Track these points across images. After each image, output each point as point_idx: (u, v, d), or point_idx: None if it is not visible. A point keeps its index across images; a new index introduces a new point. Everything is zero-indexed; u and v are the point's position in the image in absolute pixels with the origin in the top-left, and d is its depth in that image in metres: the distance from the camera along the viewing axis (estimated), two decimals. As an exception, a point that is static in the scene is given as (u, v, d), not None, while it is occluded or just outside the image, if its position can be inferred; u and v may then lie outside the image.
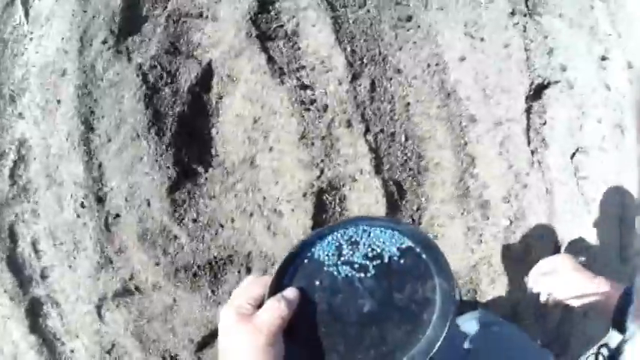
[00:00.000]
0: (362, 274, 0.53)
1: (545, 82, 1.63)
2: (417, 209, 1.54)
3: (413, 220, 1.53)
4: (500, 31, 1.58)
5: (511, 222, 1.54)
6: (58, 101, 1.59)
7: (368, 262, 0.54)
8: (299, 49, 1.52)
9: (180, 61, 1.52)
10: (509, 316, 1.50)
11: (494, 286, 1.50)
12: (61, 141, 1.56)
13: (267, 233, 1.42)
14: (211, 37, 1.55)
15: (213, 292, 1.43)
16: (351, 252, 0.54)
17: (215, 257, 1.44)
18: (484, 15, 1.58)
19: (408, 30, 1.57)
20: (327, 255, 0.54)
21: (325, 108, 1.44)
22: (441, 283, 0.52)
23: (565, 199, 1.58)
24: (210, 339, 1.45)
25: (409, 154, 1.52)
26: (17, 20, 1.71)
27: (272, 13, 1.52)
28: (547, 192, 1.58)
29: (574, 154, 1.64)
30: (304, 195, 1.39)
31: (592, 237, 1.58)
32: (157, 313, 1.49)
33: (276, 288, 0.52)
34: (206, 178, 1.47)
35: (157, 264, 1.44)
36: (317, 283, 0.53)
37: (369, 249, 0.54)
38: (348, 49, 1.49)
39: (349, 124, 1.43)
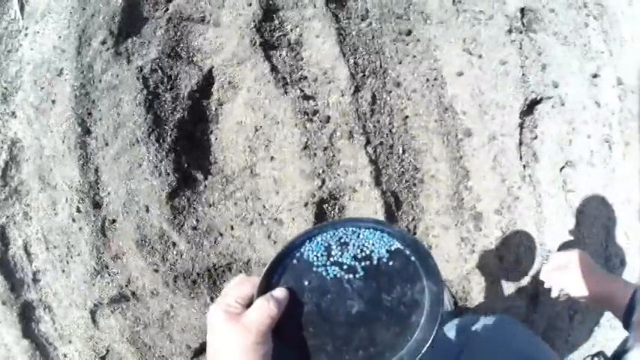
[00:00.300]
0: (351, 275, 0.53)
1: (538, 98, 1.68)
2: (413, 220, 1.58)
3: (408, 230, 1.57)
4: (498, 48, 1.62)
5: (503, 233, 1.60)
6: (53, 101, 1.55)
7: (357, 264, 0.54)
8: (302, 59, 1.53)
9: (181, 66, 1.51)
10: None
11: (485, 294, 1.56)
12: (56, 143, 1.53)
13: (267, 241, 1.43)
14: (213, 42, 1.54)
15: (212, 298, 1.44)
16: (340, 253, 0.54)
17: (214, 264, 1.44)
18: (482, 32, 1.62)
19: (407, 44, 1.60)
20: (317, 255, 0.54)
21: (328, 119, 1.46)
22: (430, 285, 0.53)
23: (554, 211, 1.65)
24: (207, 345, 1.46)
25: (406, 167, 1.55)
26: (12, 15, 1.66)
27: (276, 21, 1.52)
28: (537, 204, 1.64)
29: (563, 167, 1.71)
30: (305, 205, 1.41)
31: (579, 247, 1.65)
32: (154, 319, 1.49)
33: (265, 288, 0.52)
34: (205, 186, 1.47)
35: (156, 271, 1.44)
36: (306, 283, 0.53)
37: (359, 250, 0.54)
38: (351, 61, 1.51)
39: (351, 136, 1.45)
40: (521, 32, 1.67)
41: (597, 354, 0.83)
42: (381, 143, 1.51)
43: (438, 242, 1.58)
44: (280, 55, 1.51)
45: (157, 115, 1.46)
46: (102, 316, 1.52)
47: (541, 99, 1.69)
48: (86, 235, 1.48)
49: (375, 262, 0.54)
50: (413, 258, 0.54)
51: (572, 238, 1.64)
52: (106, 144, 1.48)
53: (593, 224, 1.68)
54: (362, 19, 1.57)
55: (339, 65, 1.48)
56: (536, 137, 1.69)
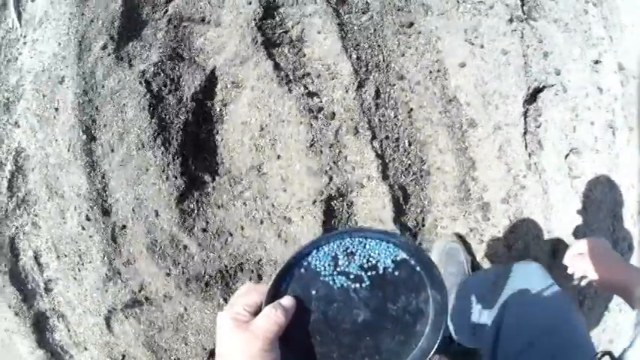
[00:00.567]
0: (357, 285, 0.55)
1: (541, 86, 1.68)
2: (421, 212, 1.58)
3: (417, 222, 1.58)
4: (499, 37, 1.62)
5: (510, 222, 1.60)
6: (56, 109, 1.55)
7: (363, 273, 0.55)
8: (304, 55, 1.52)
9: (183, 67, 1.50)
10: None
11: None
12: (61, 151, 1.53)
13: (278, 240, 1.44)
14: (214, 42, 1.53)
15: (225, 300, 1.44)
16: (346, 262, 0.55)
17: (226, 266, 1.44)
18: (483, 22, 1.62)
19: (409, 36, 1.60)
20: (324, 265, 0.55)
21: (332, 116, 1.46)
22: (434, 295, 0.55)
23: (560, 198, 1.65)
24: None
25: (413, 159, 1.55)
26: (10, 23, 1.65)
27: (277, 18, 1.51)
28: (543, 192, 1.64)
29: (568, 154, 1.71)
30: (314, 202, 1.41)
31: (587, 232, 1.66)
32: (168, 323, 1.49)
33: (273, 296, 0.53)
34: (214, 187, 1.47)
35: (168, 274, 1.44)
36: (313, 292, 0.54)
37: (365, 260, 0.55)
38: (354, 56, 1.50)
39: (356, 131, 1.45)
40: (522, 21, 1.67)
41: (604, 354, 0.85)
42: (387, 137, 1.51)
43: (447, 233, 1.58)
44: (282, 52, 1.50)
45: (161, 119, 1.45)
46: (116, 322, 1.52)
47: (544, 87, 1.69)
48: (97, 243, 1.48)
49: (380, 271, 0.55)
50: (418, 268, 0.55)
51: (579, 223, 1.65)
52: (112, 150, 1.47)
53: (599, 209, 1.69)
54: (363, 13, 1.57)
55: (342, 61, 1.48)
56: (540, 125, 1.69)
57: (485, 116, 1.59)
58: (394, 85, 1.55)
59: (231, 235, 1.46)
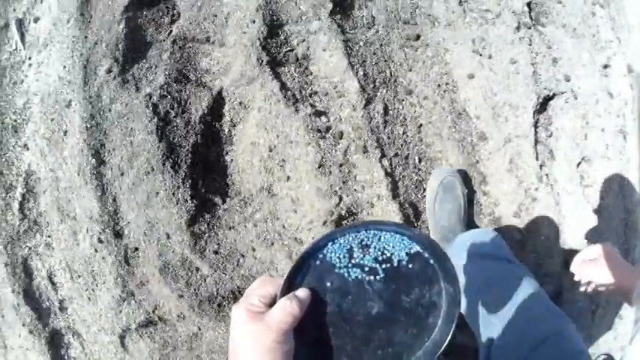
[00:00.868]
0: (371, 277, 0.54)
1: (551, 94, 1.66)
2: (431, 227, 1.58)
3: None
4: (508, 47, 1.59)
5: (523, 235, 1.60)
6: (65, 132, 1.55)
7: (377, 266, 0.55)
8: (311, 73, 1.51)
9: (190, 89, 1.50)
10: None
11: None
12: (71, 174, 1.54)
13: (289, 261, 1.44)
14: (220, 63, 1.52)
15: (238, 321, 1.46)
16: (361, 255, 0.55)
17: (238, 287, 1.46)
18: (490, 31, 1.59)
19: (416, 49, 1.57)
20: (339, 257, 0.55)
21: (341, 135, 1.45)
22: (447, 287, 0.54)
23: (572, 208, 1.64)
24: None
25: (423, 176, 1.54)
26: (13, 45, 1.64)
27: (281, 37, 1.49)
28: (555, 203, 1.63)
29: (579, 163, 1.69)
30: (324, 223, 1.41)
31: (599, 241, 1.65)
32: (182, 342, 1.51)
33: (288, 288, 0.53)
34: (224, 209, 1.48)
35: (181, 296, 1.46)
36: (328, 284, 0.55)
37: (380, 252, 0.55)
38: (360, 72, 1.48)
39: (365, 150, 1.44)
40: (529, 27, 1.64)
41: (605, 356, 0.84)
42: (396, 154, 1.50)
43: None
44: (289, 71, 1.49)
45: (170, 142, 1.45)
46: (131, 341, 1.55)
47: (554, 95, 1.66)
48: (109, 265, 1.50)
49: (395, 264, 0.55)
50: (432, 261, 0.55)
51: (591, 233, 1.64)
52: (122, 174, 1.48)
53: (611, 218, 1.67)
54: (368, 28, 1.54)
55: (348, 78, 1.46)
56: (551, 135, 1.67)
57: (495, 129, 1.57)
58: (402, 100, 1.53)
59: (242, 256, 1.47)
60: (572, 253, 1.62)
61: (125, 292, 1.51)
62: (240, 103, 1.49)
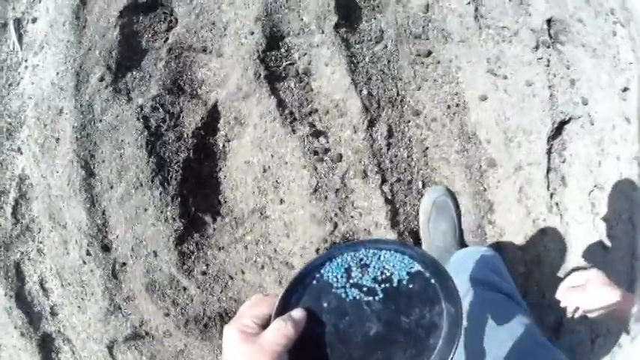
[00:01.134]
0: (370, 298, 0.53)
1: (567, 118, 1.55)
2: (432, 255, 1.50)
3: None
4: (525, 67, 1.47)
5: (527, 267, 1.51)
6: (57, 139, 1.51)
7: (376, 286, 0.54)
8: (311, 90, 1.42)
9: (184, 101, 1.43)
10: None
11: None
12: (62, 183, 1.50)
13: (279, 287, 1.39)
14: (216, 74, 1.44)
15: (224, 344, 1.42)
16: (360, 274, 0.54)
17: (225, 309, 1.41)
18: (507, 50, 1.47)
19: (427, 67, 1.47)
20: (336, 277, 0.54)
21: (339, 158, 1.37)
22: (449, 308, 0.53)
23: (580, 238, 1.55)
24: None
25: (425, 202, 1.46)
26: (10, 46, 1.60)
27: (282, 49, 1.41)
28: (563, 233, 1.54)
29: (591, 191, 1.59)
30: (317, 250, 1.34)
31: (605, 271, 1.56)
32: (169, 357, 1.48)
33: (283, 308, 0.51)
34: (214, 229, 1.42)
35: (167, 315, 1.42)
36: (324, 304, 0.53)
37: (379, 272, 0.54)
38: (364, 91, 1.39)
39: (365, 175, 1.36)
40: (548, 47, 1.51)
41: None
42: (399, 180, 1.41)
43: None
44: (288, 86, 1.41)
45: (160, 158, 1.39)
46: (119, 352, 1.52)
47: (570, 119, 1.55)
48: (97, 277, 1.47)
49: (395, 284, 0.54)
50: (433, 280, 0.54)
51: (597, 263, 1.55)
52: (111, 187, 1.43)
53: (619, 247, 1.58)
54: (376, 42, 1.45)
55: (351, 97, 1.38)
56: (564, 160, 1.56)
57: (506, 155, 1.47)
58: (409, 121, 1.44)
59: (231, 278, 1.41)
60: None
61: (112, 305, 1.48)
62: (236, 119, 1.42)
